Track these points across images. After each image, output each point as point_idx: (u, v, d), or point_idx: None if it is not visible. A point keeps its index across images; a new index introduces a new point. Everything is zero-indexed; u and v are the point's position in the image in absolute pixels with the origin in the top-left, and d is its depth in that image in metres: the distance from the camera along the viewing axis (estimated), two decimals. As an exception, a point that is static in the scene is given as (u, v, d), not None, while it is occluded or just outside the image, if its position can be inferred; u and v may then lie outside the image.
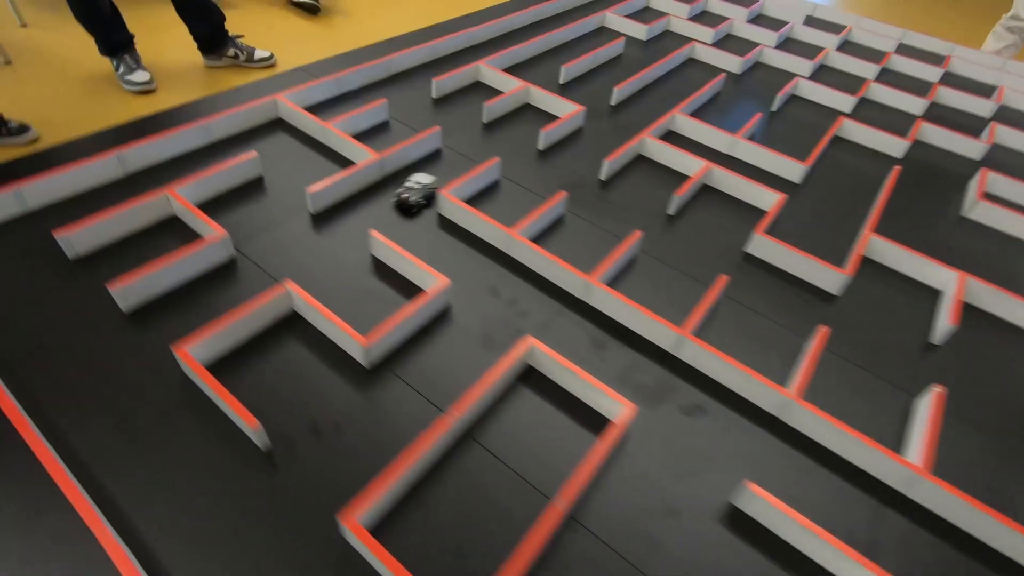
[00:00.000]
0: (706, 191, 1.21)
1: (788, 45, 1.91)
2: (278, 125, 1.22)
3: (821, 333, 0.86)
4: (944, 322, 0.93)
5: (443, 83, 1.38)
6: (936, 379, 0.87)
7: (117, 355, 0.75)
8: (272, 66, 1.84)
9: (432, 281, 0.87)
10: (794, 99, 1.60)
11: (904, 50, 1.99)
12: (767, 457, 0.74)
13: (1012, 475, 0.76)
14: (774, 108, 1.53)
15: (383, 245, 0.92)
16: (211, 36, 1.80)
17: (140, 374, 0.73)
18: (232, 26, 1.87)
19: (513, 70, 1.54)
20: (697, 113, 1.46)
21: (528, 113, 1.38)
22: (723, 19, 2.04)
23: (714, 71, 1.68)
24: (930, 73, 1.80)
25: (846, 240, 1.12)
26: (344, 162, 1.14)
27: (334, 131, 1.15)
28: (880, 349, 0.91)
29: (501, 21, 1.71)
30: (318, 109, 1.29)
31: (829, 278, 0.99)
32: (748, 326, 0.91)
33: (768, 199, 1.16)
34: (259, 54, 1.86)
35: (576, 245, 1.02)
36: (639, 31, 1.82)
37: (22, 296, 0.81)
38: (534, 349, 0.79)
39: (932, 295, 1.03)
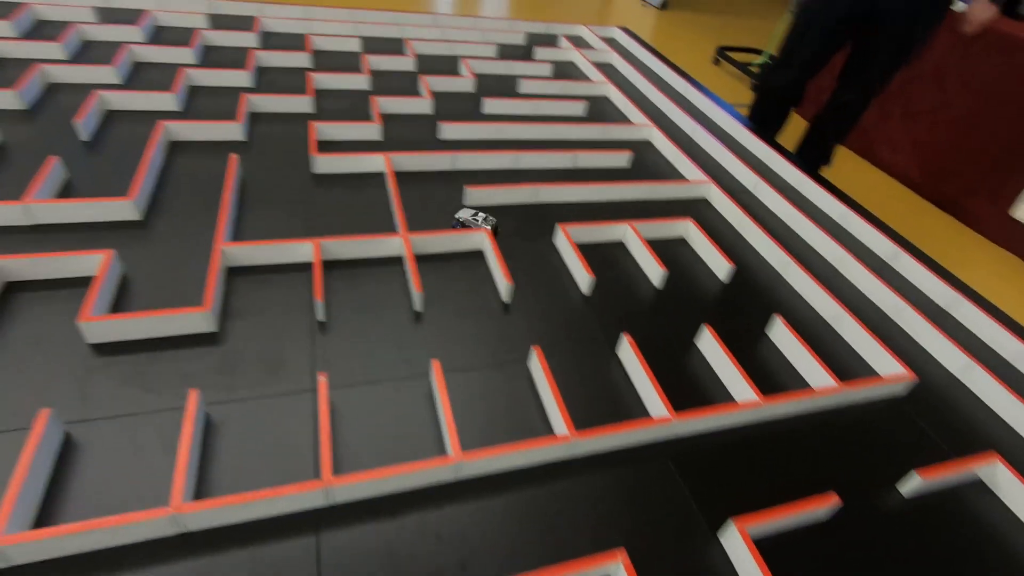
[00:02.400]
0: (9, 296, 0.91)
1: (83, 53, 1.62)
2: None
3: (191, 399, 0.76)
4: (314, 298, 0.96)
5: None
6: (325, 362, 0.90)
7: None
8: None
9: None
10: (113, 116, 1.38)
11: (216, 22, 1.95)
12: None
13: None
14: (86, 139, 1.28)
15: None
16: None
17: None
18: None
19: None
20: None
21: None
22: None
23: (-15, 118, 1.28)
24: (245, 39, 1.82)
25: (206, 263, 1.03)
26: None
27: None
28: (279, 358, 0.88)
29: None
30: None
31: (200, 322, 0.89)
32: (115, 442, 0.74)
33: (93, 265, 0.95)
34: None
35: None
36: None
37: None
38: None
39: (305, 270, 1.05)
